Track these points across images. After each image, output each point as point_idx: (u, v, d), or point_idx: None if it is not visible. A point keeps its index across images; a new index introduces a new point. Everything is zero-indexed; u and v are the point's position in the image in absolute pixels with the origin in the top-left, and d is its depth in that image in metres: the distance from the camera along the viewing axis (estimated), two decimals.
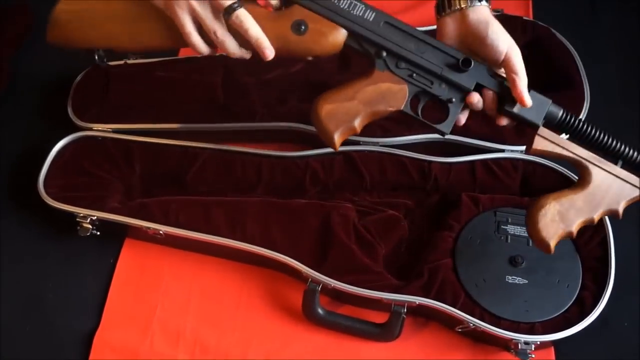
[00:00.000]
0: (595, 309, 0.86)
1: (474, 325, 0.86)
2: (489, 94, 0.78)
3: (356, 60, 1.12)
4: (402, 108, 0.79)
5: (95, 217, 0.97)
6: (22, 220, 1.06)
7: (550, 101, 0.77)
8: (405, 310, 0.89)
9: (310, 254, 0.93)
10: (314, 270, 0.91)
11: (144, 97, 1.11)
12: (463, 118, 0.82)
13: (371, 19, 0.77)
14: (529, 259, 0.90)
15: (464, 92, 0.78)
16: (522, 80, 0.75)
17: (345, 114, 0.78)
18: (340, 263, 0.92)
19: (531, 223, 0.76)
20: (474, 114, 1.02)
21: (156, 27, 0.78)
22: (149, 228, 0.96)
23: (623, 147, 0.76)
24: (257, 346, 0.93)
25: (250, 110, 1.07)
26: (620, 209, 0.75)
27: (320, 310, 0.91)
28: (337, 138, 0.79)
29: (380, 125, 1.03)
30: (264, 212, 0.97)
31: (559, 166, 0.98)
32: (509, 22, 1.09)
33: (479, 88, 0.78)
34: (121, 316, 0.97)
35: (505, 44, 0.76)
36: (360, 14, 0.77)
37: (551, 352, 0.90)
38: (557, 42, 1.09)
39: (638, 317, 0.92)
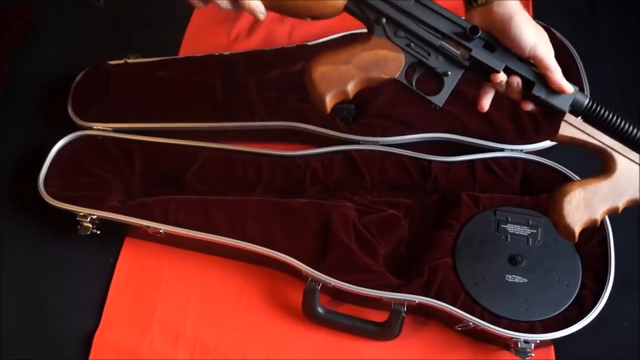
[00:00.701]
0: (595, 307, 0.86)
1: (473, 324, 0.86)
2: (515, 78, 0.77)
3: None
4: (396, 76, 0.78)
5: (96, 216, 0.98)
6: (22, 220, 1.06)
7: (577, 88, 0.77)
8: (405, 309, 0.89)
9: (310, 253, 0.93)
10: (314, 269, 0.91)
11: (144, 97, 1.11)
12: (486, 103, 0.81)
13: None
14: (529, 258, 0.90)
15: (490, 73, 0.77)
16: (555, 74, 0.75)
17: (339, 77, 0.77)
18: (340, 262, 0.92)
19: (556, 209, 0.74)
20: (474, 114, 1.03)
21: None
22: (149, 227, 0.96)
23: None
24: (257, 345, 0.93)
25: (250, 109, 1.07)
26: None
27: (320, 309, 0.91)
28: (329, 100, 0.78)
29: (380, 124, 1.04)
30: (264, 212, 0.97)
31: (558, 165, 0.98)
32: None
33: (507, 72, 0.77)
34: (121, 316, 0.97)
35: (530, 38, 0.75)
36: None
37: (551, 351, 0.90)
38: (557, 42, 1.09)
39: (638, 316, 0.92)
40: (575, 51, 1.08)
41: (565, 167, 0.98)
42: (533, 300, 0.88)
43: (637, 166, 0.75)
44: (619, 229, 0.92)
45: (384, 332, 0.90)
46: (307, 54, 1.13)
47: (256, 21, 1.25)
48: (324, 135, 1.05)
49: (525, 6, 1.21)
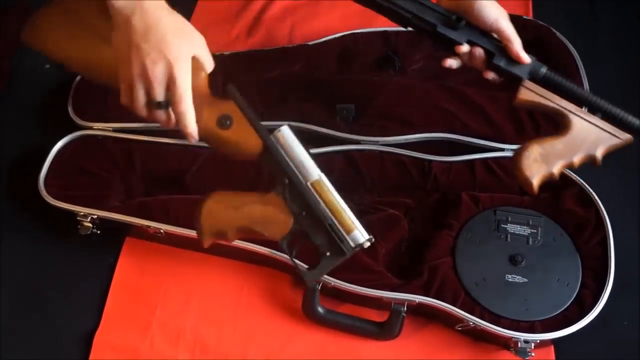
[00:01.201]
0: (595, 307, 0.86)
1: (473, 323, 0.86)
2: (477, 49, 0.84)
3: (357, 61, 1.13)
4: (278, 239, 0.77)
5: (96, 216, 0.98)
6: (22, 220, 1.06)
7: (534, 58, 0.83)
8: (405, 309, 0.89)
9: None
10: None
11: None
12: (452, 63, 0.87)
13: None
14: (529, 257, 0.90)
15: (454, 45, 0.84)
16: (515, 44, 0.82)
17: (223, 220, 0.77)
18: None
19: (516, 164, 0.80)
20: (474, 114, 1.03)
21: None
22: (149, 227, 0.96)
23: (603, 101, 0.81)
24: (257, 345, 0.93)
25: None
26: (598, 155, 0.80)
27: (320, 309, 0.91)
28: (207, 239, 0.78)
29: (380, 124, 1.04)
30: None
31: None
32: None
33: (470, 44, 0.84)
34: (121, 315, 0.97)
35: (491, 14, 0.82)
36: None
37: (551, 351, 0.90)
38: (557, 42, 1.09)
39: (638, 315, 0.92)
40: (575, 51, 1.07)
41: None
42: (533, 300, 0.88)
43: (592, 125, 0.80)
44: (619, 229, 0.92)
45: (384, 332, 0.90)
46: (308, 53, 1.13)
47: (256, 21, 1.26)
48: (324, 135, 1.05)
49: (526, 5, 1.22)
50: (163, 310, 0.97)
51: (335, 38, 1.14)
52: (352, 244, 0.75)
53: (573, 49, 1.08)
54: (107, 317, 0.97)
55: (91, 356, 0.94)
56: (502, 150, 1.01)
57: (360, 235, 0.75)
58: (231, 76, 1.11)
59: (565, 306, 0.88)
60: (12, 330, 0.97)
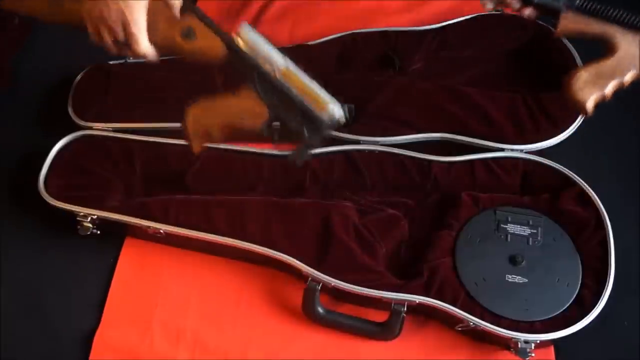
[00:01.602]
0: (595, 307, 0.86)
1: (474, 324, 0.86)
2: None
3: (357, 61, 1.13)
4: (257, 129, 0.81)
5: (96, 216, 0.98)
6: (22, 220, 1.06)
7: None
8: (405, 309, 0.89)
9: (310, 253, 0.93)
10: (314, 269, 0.91)
11: (144, 96, 1.11)
12: (487, 2, 0.86)
13: None
14: (529, 257, 0.90)
15: None
16: None
17: (206, 121, 0.82)
18: (340, 262, 0.92)
19: (568, 88, 0.82)
20: (474, 114, 1.03)
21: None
22: (149, 227, 0.96)
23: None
24: (257, 345, 0.93)
25: None
26: None
27: (320, 309, 0.91)
28: (195, 144, 0.83)
29: (380, 124, 1.04)
30: (264, 212, 0.97)
31: (559, 165, 0.98)
32: (509, 21, 1.09)
33: None
34: (121, 315, 0.97)
35: None
36: None
37: (551, 351, 0.90)
38: (557, 42, 1.09)
39: (638, 316, 0.92)
40: (575, 51, 1.07)
41: (566, 167, 0.98)
42: (533, 300, 0.88)
43: (637, 42, 0.81)
44: (619, 229, 0.92)
45: (384, 332, 0.90)
46: (308, 53, 1.13)
47: (256, 21, 1.26)
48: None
49: None
50: (163, 310, 0.97)
51: (335, 38, 1.14)
52: (326, 120, 0.77)
53: (573, 48, 1.08)
54: (107, 316, 0.97)
55: (91, 356, 0.94)
56: (502, 150, 1.01)
57: (334, 110, 0.77)
58: (232, 76, 1.11)
59: (566, 306, 0.88)
60: (12, 331, 0.97)
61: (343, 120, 0.79)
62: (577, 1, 0.83)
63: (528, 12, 0.85)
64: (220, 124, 0.81)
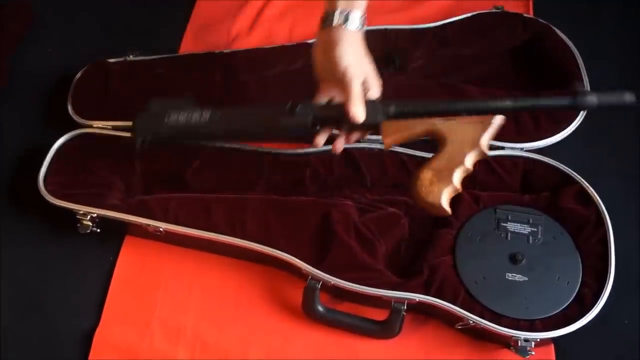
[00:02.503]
0: (595, 306, 0.86)
1: (474, 322, 0.86)
2: (327, 127, 0.87)
3: None
4: None
5: (96, 215, 0.98)
6: (22, 218, 1.06)
7: (379, 99, 0.85)
8: (405, 307, 0.89)
9: (310, 251, 0.93)
10: (314, 267, 0.91)
11: (144, 94, 1.09)
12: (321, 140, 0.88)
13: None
14: (529, 256, 0.90)
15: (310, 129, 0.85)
16: (352, 101, 0.81)
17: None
18: (340, 260, 0.92)
19: (416, 196, 0.80)
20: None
21: None
22: (148, 225, 0.96)
23: (460, 103, 0.82)
24: (257, 343, 0.93)
25: None
26: (483, 147, 0.79)
27: (320, 308, 0.91)
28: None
29: None
30: (264, 210, 0.97)
31: (559, 164, 0.98)
32: (509, 19, 1.09)
33: (317, 121, 0.86)
34: (121, 314, 0.97)
35: (342, 66, 0.82)
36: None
37: (551, 350, 0.90)
38: (557, 40, 1.09)
39: (638, 314, 0.92)
40: (576, 50, 1.07)
41: (566, 165, 0.98)
42: (533, 298, 0.88)
43: (460, 125, 0.80)
44: (619, 227, 0.92)
45: (384, 330, 0.90)
46: (308, 51, 1.12)
47: (257, 20, 1.26)
48: None
49: (526, 3, 1.22)
50: (163, 309, 0.97)
51: None
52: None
53: (574, 47, 1.08)
54: (107, 315, 0.97)
55: (91, 355, 0.94)
56: (502, 148, 1.01)
57: None
58: (231, 74, 1.11)
59: (566, 305, 0.87)
60: (12, 330, 0.97)
61: None
62: (391, 110, 0.82)
63: (355, 137, 0.87)
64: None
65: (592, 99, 0.76)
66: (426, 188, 0.79)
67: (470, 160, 0.80)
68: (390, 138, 0.82)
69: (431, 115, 0.81)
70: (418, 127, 0.82)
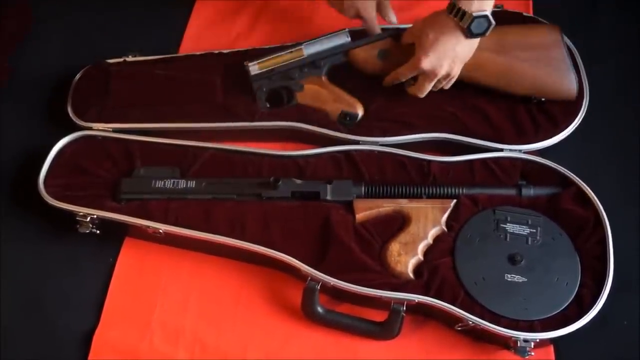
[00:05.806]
0: (594, 307, 0.86)
1: (473, 323, 0.86)
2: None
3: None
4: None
5: (95, 216, 0.98)
6: (22, 220, 1.06)
7: (350, 180, 0.98)
8: (405, 308, 0.89)
9: (309, 253, 0.93)
10: (314, 268, 0.91)
11: (144, 96, 1.11)
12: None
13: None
14: (528, 257, 0.90)
15: None
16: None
17: None
18: (339, 261, 0.92)
19: (386, 266, 0.92)
20: (474, 114, 1.03)
21: None
22: (148, 227, 0.96)
23: (421, 188, 0.96)
24: (257, 344, 0.94)
25: (250, 109, 1.07)
26: (443, 223, 0.94)
27: (319, 309, 0.91)
28: None
29: (379, 126, 1.04)
30: (264, 211, 0.97)
31: (557, 165, 0.98)
32: (509, 19, 1.09)
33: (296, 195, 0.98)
34: (121, 315, 0.97)
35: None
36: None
37: (550, 350, 0.90)
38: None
39: (637, 315, 0.93)
40: (575, 50, 1.07)
41: (564, 167, 0.98)
42: (532, 299, 0.88)
43: (423, 206, 0.95)
44: (618, 228, 0.92)
45: (384, 331, 0.90)
46: None
47: (257, 20, 1.26)
48: (323, 135, 1.04)
49: (526, 4, 1.21)
50: (162, 310, 0.97)
51: None
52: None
53: (573, 47, 1.07)
54: (107, 316, 0.97)
55: (90, 355, 0.94)
56: (501, 150, 1.01)
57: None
58: (231, 75, 1.11)
59: (565, 305, 0.88)
60: (12, 330, 0.97)
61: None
62: (362, 190, 0.96)
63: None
64: None
65: (529, 192, 0.96)
66: (394, 258, 0.91)
67: (432, 235, 0.93)
68: (361, 214, 0.95)
69: (397, 196, 0.96)
70: (386, 206, 0.95)
